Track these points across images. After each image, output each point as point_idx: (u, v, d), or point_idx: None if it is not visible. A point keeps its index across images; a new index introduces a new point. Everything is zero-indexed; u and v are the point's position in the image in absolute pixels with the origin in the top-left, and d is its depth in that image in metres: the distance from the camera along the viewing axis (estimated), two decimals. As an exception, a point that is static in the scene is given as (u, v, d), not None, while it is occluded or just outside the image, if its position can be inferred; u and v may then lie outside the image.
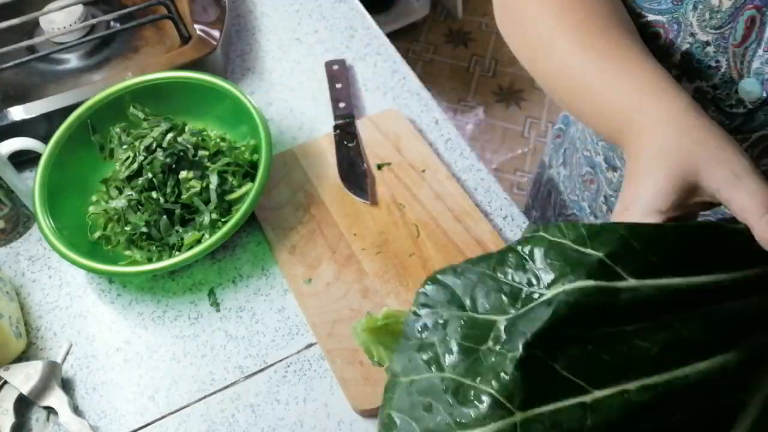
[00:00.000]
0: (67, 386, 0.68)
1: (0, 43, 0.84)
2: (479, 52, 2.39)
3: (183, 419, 0.66)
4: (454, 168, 0.83)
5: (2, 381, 0.65)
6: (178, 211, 0.73)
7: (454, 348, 0.36)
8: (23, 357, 0.70)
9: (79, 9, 0.88)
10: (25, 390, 0.64)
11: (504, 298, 0.36)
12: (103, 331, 0.72)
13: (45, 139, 0.77)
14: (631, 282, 0.34)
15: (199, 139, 0.77)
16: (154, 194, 0.73)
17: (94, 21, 0.89)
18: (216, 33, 0.88)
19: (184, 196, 0.73)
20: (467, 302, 0.37)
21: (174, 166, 0.74)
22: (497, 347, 0.34)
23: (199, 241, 0.72)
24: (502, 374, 0.33)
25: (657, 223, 0.39)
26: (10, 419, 0.64)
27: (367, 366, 0.65)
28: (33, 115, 0.79)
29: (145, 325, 0.72)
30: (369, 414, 0.64)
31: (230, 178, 0.75)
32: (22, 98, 0.83)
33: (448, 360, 0.36)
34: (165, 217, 0.73)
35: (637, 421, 0.33)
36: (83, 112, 0.78)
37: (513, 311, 0.35)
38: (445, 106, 2.26)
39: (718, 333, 0.35)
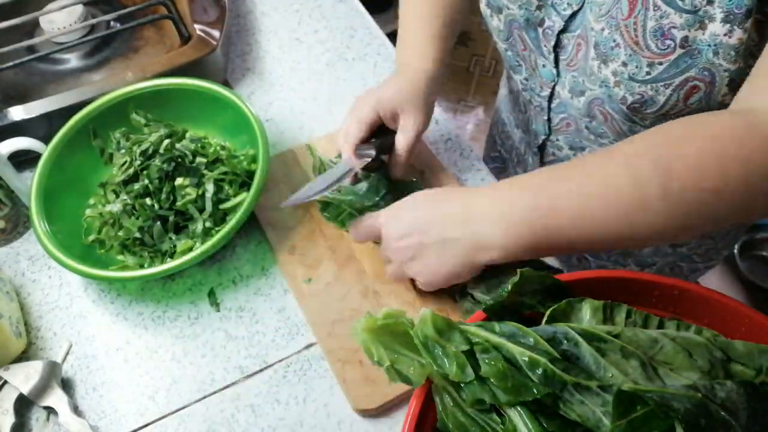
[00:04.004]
0: (67, 386, 0.68)
1: (0, 43, 0.84)
2: (479, 52, 2.39)
3: (183, 419, 0.66)
4: (454, 168, 0.83)
5: (2, 381, 0.65)
6: (172, 218, 0.73)
7: None
8: (23, 357, 0.70)
9: (79, 9, 0.88)
10: (25, 390, 0.64)
11: None
12: (103, 331, 0.72)
13: (45, 139, 0.77)
14: None
15: (199, 146, 0.77)
16: (148, 201, 0.73)
17: (94, 21, 0.89)
18: (216, 33, 0.88)
19: (179, 203, 0.73)
20: None
21: (171, 172, 0.74)
22: None
23: (191, 249, 0.72)
24: None
25: None
26: (10, 419, 0.64)
27: (367, 366, 0.65)
28: (33, 115, 0.80)
29: (145, 325, 0.72)
30: (369, 414, 0.64)
31: (226, 187, 0.75)
32: (22, 98, 0.83)
33: None
34: (159, 223, 0.73)
35: None
36: (84, 116, 0.78)
37: None
38: (445, 106, 2.26)
39: None
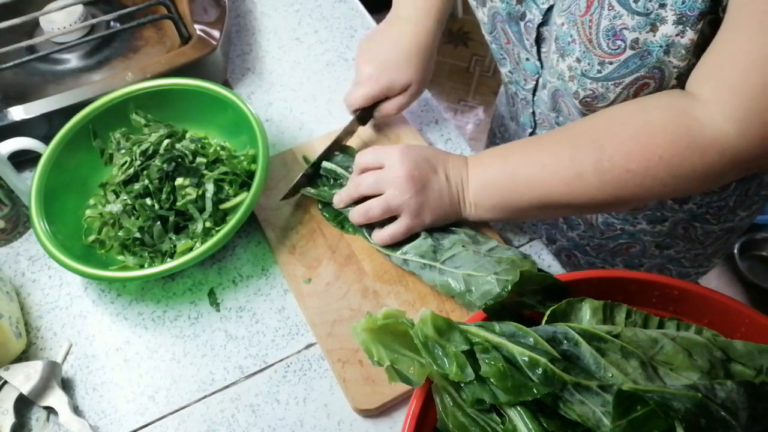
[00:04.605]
0: (67, 386, 0.68)
1: (0, 43, 0.84)
2: (479, 52, 2.39)
3: (183, 419, 0.66)
4: (454, 168, 0.83)
5: (2, 381, 0.65)
6: (172, 218, 0.73)
7: None
8: (23, 357, 0.70)
9: (79, 9, 0.88)
10: (25, 390, 0.64)
11: None
12: (103, 331, 0.72)
13: (45, 139, 0.77)
14: None
15: (199, 146, 0.77)
16: (148, 201, 0.73)
17: (94, 21, 0.89)
18: (216, 33, 0.88)
19: (179, 203, 0.73)
20: None
21: (171, 172, 0.74)
22: None
23: (191, 249, 0.72)
24: None
25: None
26: (10, 419, 0.64)
27: (367, 366, 0.65)
28: (33, 115, 0.79)
29: (145, 325, 0.72)
30: (369, 414, 0.64)
31: (226, 187, 0.75)
32: (22, 98, 0.83)
33: None
34: (159, 223, 0.72)
35: None
36: (84, 116, 0.78)
37: None
38: (445, 106, 2.26)
39: None
